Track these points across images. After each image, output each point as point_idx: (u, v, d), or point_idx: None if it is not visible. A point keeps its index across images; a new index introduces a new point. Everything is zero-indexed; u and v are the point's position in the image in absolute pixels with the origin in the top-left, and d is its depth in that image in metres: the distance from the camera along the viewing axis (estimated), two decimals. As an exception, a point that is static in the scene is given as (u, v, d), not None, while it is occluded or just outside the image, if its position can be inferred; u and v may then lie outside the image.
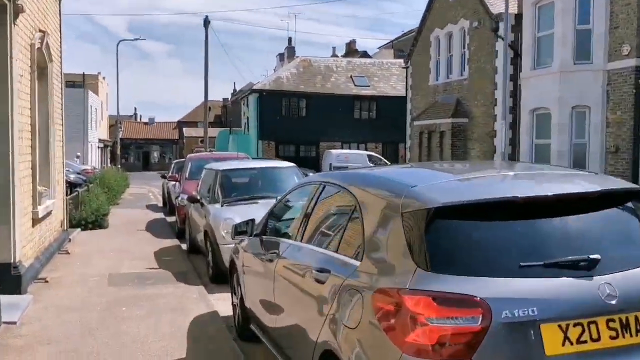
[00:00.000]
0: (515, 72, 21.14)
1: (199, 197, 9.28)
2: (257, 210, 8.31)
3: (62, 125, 11.03)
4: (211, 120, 78.73)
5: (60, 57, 10.82)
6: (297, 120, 35.98)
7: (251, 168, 9.67)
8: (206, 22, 35.93)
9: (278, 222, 4.99)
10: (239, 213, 8.22)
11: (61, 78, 10.84)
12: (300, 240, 4.04)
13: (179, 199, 12.63)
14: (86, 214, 13.08)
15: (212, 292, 7.56)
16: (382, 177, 3.53)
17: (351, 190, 3.46)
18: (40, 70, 9.26)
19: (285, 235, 4.61)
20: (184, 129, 72.19)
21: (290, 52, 53.16)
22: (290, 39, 54.27)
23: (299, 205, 4.60)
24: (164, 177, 19.57)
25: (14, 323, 5.69)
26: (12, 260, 6.65)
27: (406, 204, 2.87)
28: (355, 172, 4.05)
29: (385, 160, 33.50)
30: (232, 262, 5.97)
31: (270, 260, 4.38)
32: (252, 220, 5.15)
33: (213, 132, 46.74)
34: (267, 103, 35.44)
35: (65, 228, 11.15)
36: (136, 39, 38.17)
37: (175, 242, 11.70)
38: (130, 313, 6.35)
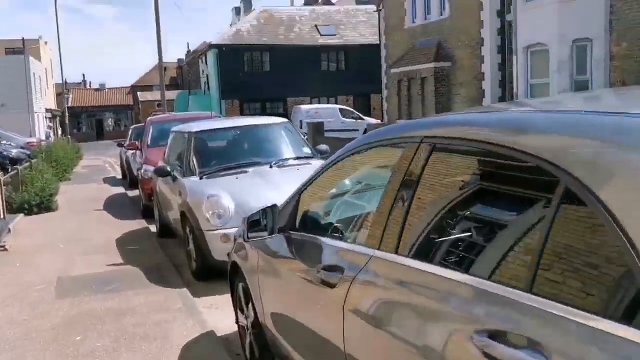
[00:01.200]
0: (502, 8, 19.33)
1: (168, 169, 7.19)
2: (250, 183, 6.40)
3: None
4: (167, 83, 74.94)
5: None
6: (261, 75, 33.55)
7: (232, 127, 7.55)
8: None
9: (321, 211, 3.05)
10: (226, 188, 6.26)
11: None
12: (395, 252, 2.12)
13: (142, 170, 10.51)
14: (29, 196, 10.84)
15: (199, 295, 5.65)
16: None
17: (565, 167, 1.51)
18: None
19: (343, 236, 2.69)
20: (138, 93, 68.49)
21: (247, 4, 50.18)
22: (245, -10, 50.97)
23: (364, 183, 2.66)
24: (120, 145, 17.22)
25: None
26: None
27: None
28: (563, 115, 1.84)
29: (359, 114, 31.59)
30: (234, 266, 4.02)
31: (330, 285, 2.45)
32: (274, 207, 3.17)
33: (170, 94, 43.82)
34: (228, 59, 32.83)
35: (2, 216, 8.95)
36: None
37: (141, 223, 9.65)
38: (89, 346, 4.39)
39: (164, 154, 8.91)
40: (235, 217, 5.92)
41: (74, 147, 23.83)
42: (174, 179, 7.12)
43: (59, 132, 53.22)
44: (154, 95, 66.13)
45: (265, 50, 33.70)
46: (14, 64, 41.47)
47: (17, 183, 11.24)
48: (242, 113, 32.69)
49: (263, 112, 33.54)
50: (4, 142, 19.12)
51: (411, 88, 23.32)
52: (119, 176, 19.14)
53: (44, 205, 10.99)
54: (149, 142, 11.33)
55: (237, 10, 54.76)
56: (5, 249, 7.80)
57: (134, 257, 7.15)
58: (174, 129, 8.66)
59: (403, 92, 23.82)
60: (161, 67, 39.02)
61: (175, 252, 7.42)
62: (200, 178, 6.69)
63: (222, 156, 7.19)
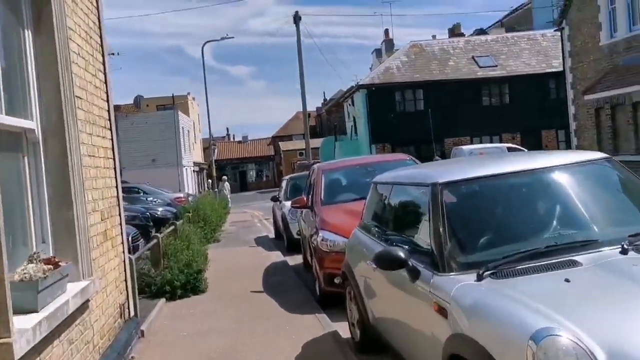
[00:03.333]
0: None
1: (402, 256, 3.84)
2: (606, 291, 2.86)
3: (111, 129, 6.11)
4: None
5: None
6: (415, 115, 30.29)
7: (511, 174, 4.07)
8: (296, 17, 32.00)
9: None
10: (561, 307, 2.77)
11: (100, 36, 5.92)
12: None
13: (319, 239, 7.37)
14: (172, 275, 8.17)
15: None
16: None
17: None
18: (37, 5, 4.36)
19: None
20: (279, 143, 68.65)
21: (388, 45, 47.67)
22: (387, 31, 48.71)
23: None
24: (276, 199, 14.60)
25: None
26: None
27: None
28: None
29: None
30: None
31: None
32: None
33: (312, 143, 41.98)
34: (378, 99, 30.05)
35: (130, 315, 6.19)
36: (223, 38, 33.92)
37: (324, 320, 6.46)
38: None
39: (362, 217, 5.71)
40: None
41: (221, 202, 21.95)
42: (414, 274, 3.77)
43: (205, 185, 53.76)
44: (295, 145, 65.63)
45: (418, 88, 30.52)
46: (164, 119, 42.21)
47: (157, 256, 8.67)
48: (394, 158, 29.53)
49: (418, 156, 30.03)
50: (150, 198, 17.46)
51: (616, 117, 18.67)
52: (272, 234, 16.59)
53: (190, 286, 8.27)
54: (322, 198, 8.25)
55: (377, 53, 52.55)
56: (131, 381, 4.90)
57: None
58: (381, 178, 5.42)
59: (604, 122, 19.19)
60: (305, 112, 37.47)
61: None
62: (480, 278, 3.25)
63: (506, 230, 3.73)
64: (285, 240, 13.25)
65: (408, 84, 30.23)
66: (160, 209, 15.23)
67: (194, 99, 57.21)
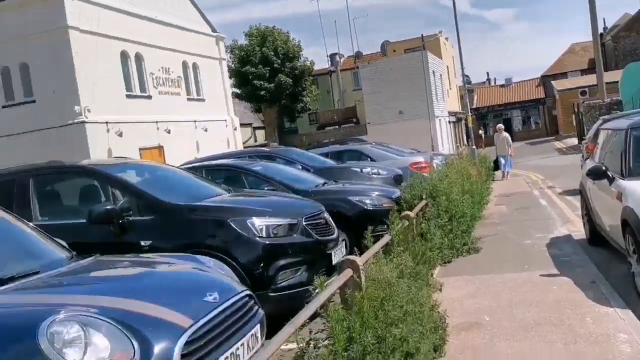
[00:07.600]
0: None
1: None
2: None
3: None
4: (584, 67, 60.97)
5: None
6: None
7: None
8: None
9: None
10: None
11: None
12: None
13: None
14: None
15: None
16: None
17: None
18: None
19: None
20: (552, 82, 56.92)
21: None
22: None
23: None
24: (602, 175, 6.76)
25: None
26: None
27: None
28: None
29: None
30: None
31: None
32: None
33: (593, 79, 30.96)
34: None
35: None
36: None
37: None
38: None
39: None
40: None
41: (484, 162, 14.81)
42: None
43: (464, 138, 46.26)
44: (574, 83, 53.30)
45: None
46: (411, 63, 35.82)
47: None
48: None
49: None
50: (367, 169, 11.22)
51: None
52: (576, 231, 9.05)
53: None
54: None
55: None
56: None
57: None
58: None
59: None
60: (596, 33, 27.40)
61: None
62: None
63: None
64: (633, 270, 5.69)
65: None
66: (373, 194, 8.77)
67: (447, 38, 49.54)
